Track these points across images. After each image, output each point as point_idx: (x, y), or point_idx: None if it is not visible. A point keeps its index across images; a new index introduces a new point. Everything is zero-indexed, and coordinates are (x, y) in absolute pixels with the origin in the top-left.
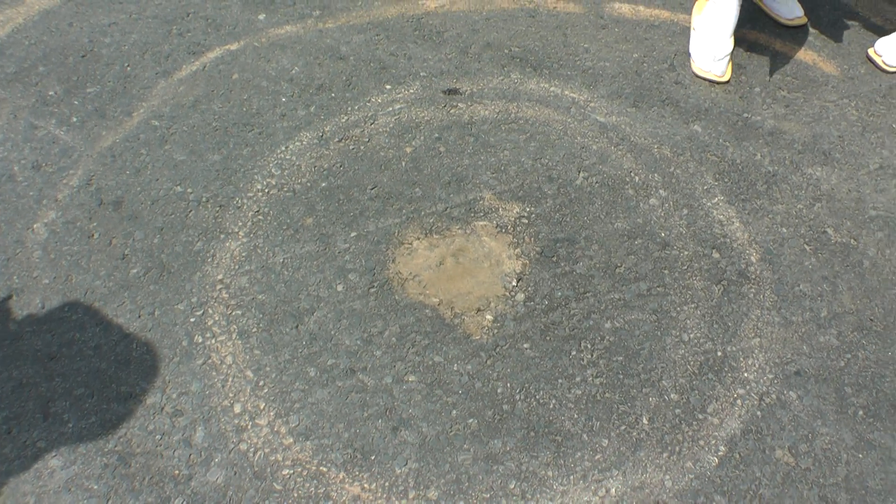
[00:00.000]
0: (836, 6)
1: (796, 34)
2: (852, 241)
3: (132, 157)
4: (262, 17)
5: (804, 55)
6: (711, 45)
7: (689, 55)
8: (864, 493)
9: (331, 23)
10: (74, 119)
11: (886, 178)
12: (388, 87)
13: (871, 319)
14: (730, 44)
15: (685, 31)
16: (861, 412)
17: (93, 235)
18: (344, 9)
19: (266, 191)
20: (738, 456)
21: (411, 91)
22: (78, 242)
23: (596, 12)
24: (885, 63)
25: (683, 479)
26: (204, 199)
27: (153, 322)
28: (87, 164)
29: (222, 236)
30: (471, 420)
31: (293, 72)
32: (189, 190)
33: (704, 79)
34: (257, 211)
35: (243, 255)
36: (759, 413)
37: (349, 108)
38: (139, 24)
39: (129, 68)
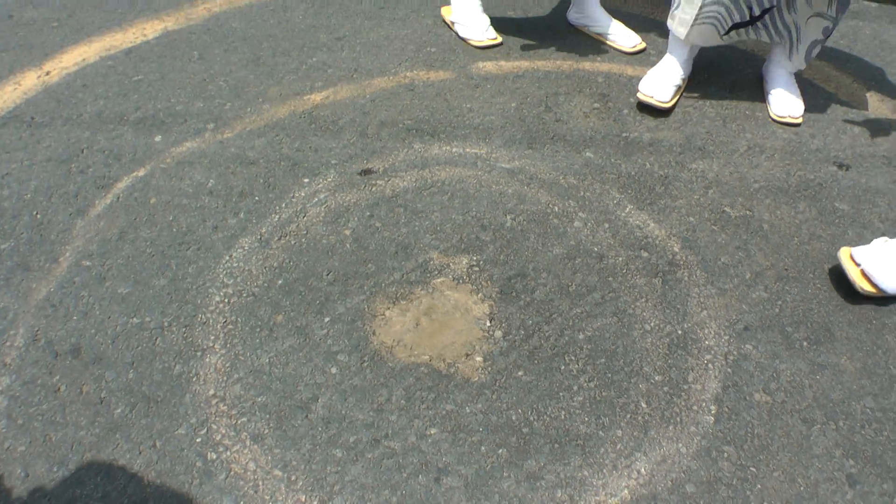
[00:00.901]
0: (665, 31)
1: (641, 58)
2: (748, 212)
3: (74, 301)
4: (158, 139)
5: None
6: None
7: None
8: (830, 405)
9: (228, 132)
10: None
11: (756, 155)
12: (305, 180)
13: (786, 269)
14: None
15: (547, 75)
16: (805, 343)
17: (59, 389)
18: (236, 117)
19: (226, 301)
20: (727, 409)
21: (329, 179)
22: (45, 400)
23: (466, 75)
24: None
25: (693, 442)
26: (166, 324)
27: (157, 454)
28: (27, 319)
29: (199, 353)
30: (500, 450)
31: (210, 185)
32: (147, 319)
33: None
34: (225, 321)
35: (227, 365)
36: (729, 370)
37: (277, 208)
38: (34, 169)
39: (38, 216)
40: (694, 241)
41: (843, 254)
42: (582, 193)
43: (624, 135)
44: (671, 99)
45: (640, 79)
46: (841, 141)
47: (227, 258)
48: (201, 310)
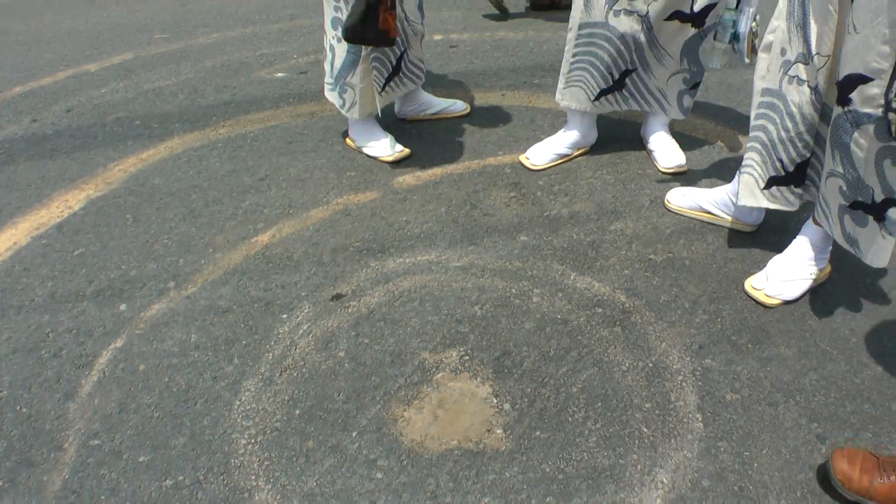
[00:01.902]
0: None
1: (532, 138)
2: (669, 254)
3: (96, 482)
4: (123, 307)
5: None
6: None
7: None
8: (785, 386)
9: (191, 287)
10: (1, 483)
11: (659, 206)
12: (284, 316)
13: (714, 292)
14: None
15: (462, 177)
16: (749, 345)
17: None
18: (193, 271)
19: (254, 441)
20: (709, 413)
21: (306, 311)
22: None
23: (391, 192)
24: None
25: (693, 446)
26: (202, 477)
27: None
28: None
29: (246, 495)
30: (547, 499)
31: (193, 340)
32: (180, 478)
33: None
34: (260, 459)
35: (279, 498)
36: (699, 383)
37: (267, 346)
38: (1, 364)
39: (24, 409)
40: (635, 289)
41: (747, 285)
42: (529, 273)
43: (545, 214)
44: (545, 164)
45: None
46: (724, 177)
47: (238, 403)
48: (232, 455)
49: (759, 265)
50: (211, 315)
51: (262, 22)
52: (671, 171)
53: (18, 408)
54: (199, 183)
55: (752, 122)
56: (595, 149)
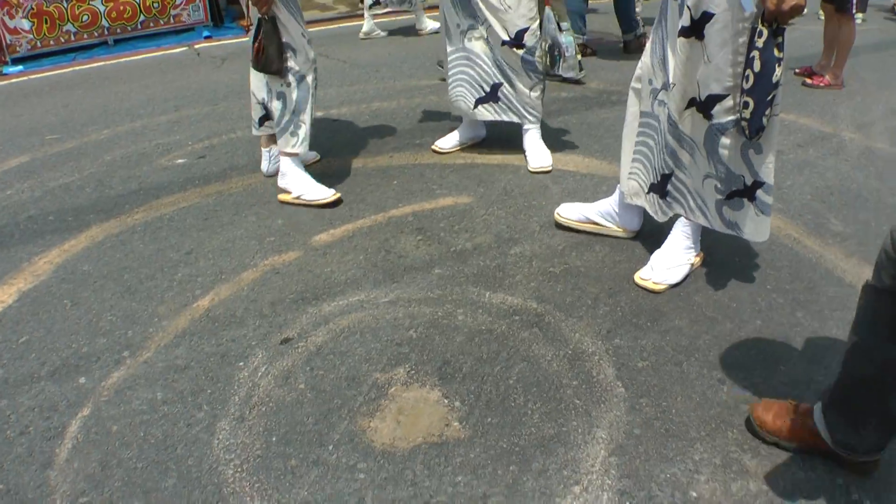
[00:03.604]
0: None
1: (427, 192)
2: (566, 265)
3: None
4: (83, 380)
5: (454, 201)
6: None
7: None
8: (684, 349)
9: (146, 353)
10: None
11: (549, 230)
12: (241, 364)
13: (610, 288)
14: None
15: (371, 229)
16: (649, 323)
17: None
18: (144, 339)
19: (241, 469)
20: (627, 379)
21: (260, 356)
22: None
23: (311, 249)
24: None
25: (621, 406)
26: None
27: None
28: None
29: None
30: (511, 467)
31: (159, 397)
32: None
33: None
34: (251, 483)
35: None
36: (613, 358)
37: (231, 391)
38: None
39: (1, 486)
40: (543, 297)
41: (636, 278)
42: (450, 297)
43: (452, 249)
44: (450, 149)
45: (435, 213)
46: (597, 197)
47: (217, 441)
48: (223, 485)
49: (644, 261)
50: (171, 373)
51: (149, 115)
52: (539, 171)
53: None
54: (129, 264)
55: (637, 139)
56: (483, 191)
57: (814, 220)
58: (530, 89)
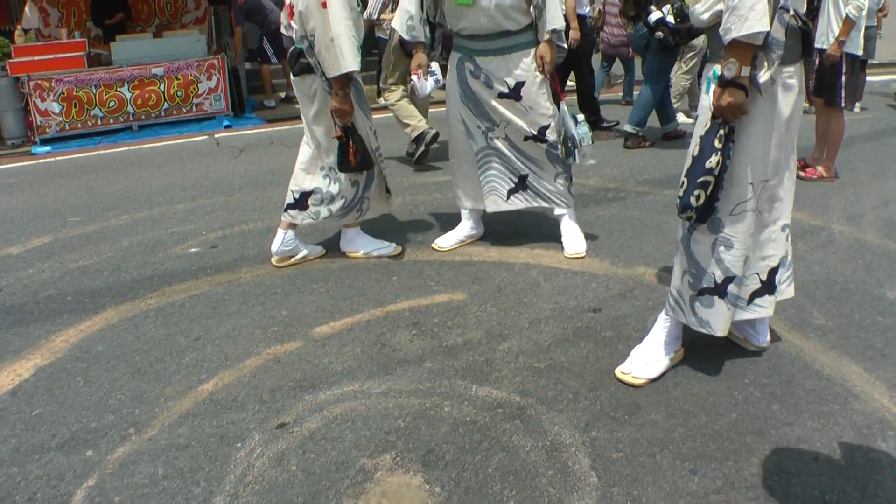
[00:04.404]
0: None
1: (424, 288)
2: (550, 361)
3: None
4: (90, 453)
5: (449, 297)
6: None
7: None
8: (662, 437)
9: (151, 431)
10: None
11: (537, 325)
12: (238, 445)
13: (592, 383)
14: None
15: (369, 324)
16: (626, 416)
17: None
18: (150, 418)
19: None
20: (601, 470)
21: (256, 439)
22: None
23: (312, 340)
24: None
25: (593, 495)
26: None
27: None
28: None
29: None
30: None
31: (160, 472)
32: None
33: None
34: None
35: None
36: (590, 450)
37: (228, 469)
38: None
39: None
40: (526, 391)
41: (617, 373)
42: (438, 390)
43: (444, 344)
44: (449, 247)
45: (431, 309)
46: (587, 295)
47: None
48: None
49: (624, 358)
50: (173, 451)
51: (167, 203)
52: (574, 257)
53: None
54: (140, 346)
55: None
56: (477, 288)
57: (797, 315)
58: (555, 178)
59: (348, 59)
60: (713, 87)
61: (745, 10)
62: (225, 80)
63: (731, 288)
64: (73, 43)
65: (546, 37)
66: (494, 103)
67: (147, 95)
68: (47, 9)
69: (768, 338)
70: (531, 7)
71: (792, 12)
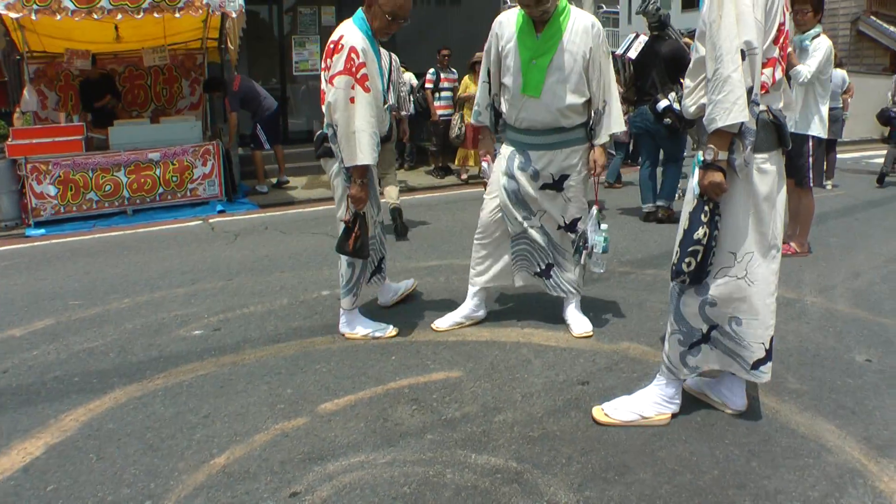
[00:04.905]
0: None
1: (422, 366)
2: (544, 430)
3: None
4: None
5: (446, 375)
6: None
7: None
8: (650, 494)
9: (167, 503)
10: None
11: (530, 399)
12: None
13: (583, 449)
14: None
15: (371, 400)
16: (616, 476)
17: None
18: (166, 491)
19: None
20: None
21: None
22: None
23: (317, 416)
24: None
25: None
26: None
27: None
28: None
29: None
30: None
31: None
32: None
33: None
34: None
35: None
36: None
37: None
38: None
39: None
40: (522, 458)
41: (597, 412)
42: (440, 459)
43: (443, 418)
44: (447, 328)
45: (429, 385)
46: (575, 370)
47: None
48: None
49: (613, 430)
50: None
51: (167, 287)
52: (583, 336)
53: None
54: (151, 424)
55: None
56: (472, 365)
57: (773, 380)
58: (575, 267)
59: (365, 153)
60: (697, 169)
61: (729, 104)
62: (219, 165)
63: (714, 333)
64: (72, 127)
65: (604, 140)
66: (536, 194)
67: (143, 180)
68: (45, 91)
69: (745, 401)
70: (591, 109)
71: (764, 108)
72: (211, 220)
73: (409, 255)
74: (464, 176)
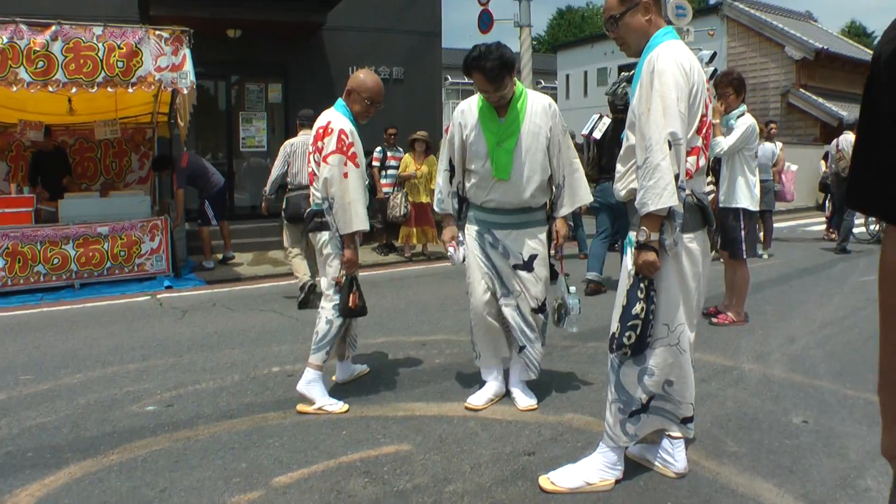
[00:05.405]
0: None
1: (424, 440)
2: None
3: None
4: None
5: (396, 448)
6: None
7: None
8: None
9: None
10: None
11: (481, 468)
12: None
13: None
14: None
15: (324, 473)
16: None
17: None
18: None
19: None
20: None
21: None
22: None
23: (272, 489)
24: None
25: None
26: None
27: None
28: None
29: None
30: None
31: None
32: None
33: None
34: None
35: None
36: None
37: None
38: None
39: None
40: None
41: (543, 480)
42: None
43: (394, 489)
44: (483, 405)
45: (380, 459)
46: (521, 441)
47: None
48: None
49: (557, 496)
50: None
51: (119, 362)
52: (528, 409)
53: None
54: (107, 499)
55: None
56: (421, 439)
57: (712, 445)
58: (541, 346)
59: (361, 219)
60: (630, 249)
61: (660, 190)
62: (167, 241)
63: (653, 402)
64: (22, 198)
65: (566, 212)
66: (510, 274)
67: (91, 254)
68: None
69: (686, 464)
70: (553, 184)
71: (689, 192)
72: (159, 296)
73: (362, 334)
74: (407, 253)
